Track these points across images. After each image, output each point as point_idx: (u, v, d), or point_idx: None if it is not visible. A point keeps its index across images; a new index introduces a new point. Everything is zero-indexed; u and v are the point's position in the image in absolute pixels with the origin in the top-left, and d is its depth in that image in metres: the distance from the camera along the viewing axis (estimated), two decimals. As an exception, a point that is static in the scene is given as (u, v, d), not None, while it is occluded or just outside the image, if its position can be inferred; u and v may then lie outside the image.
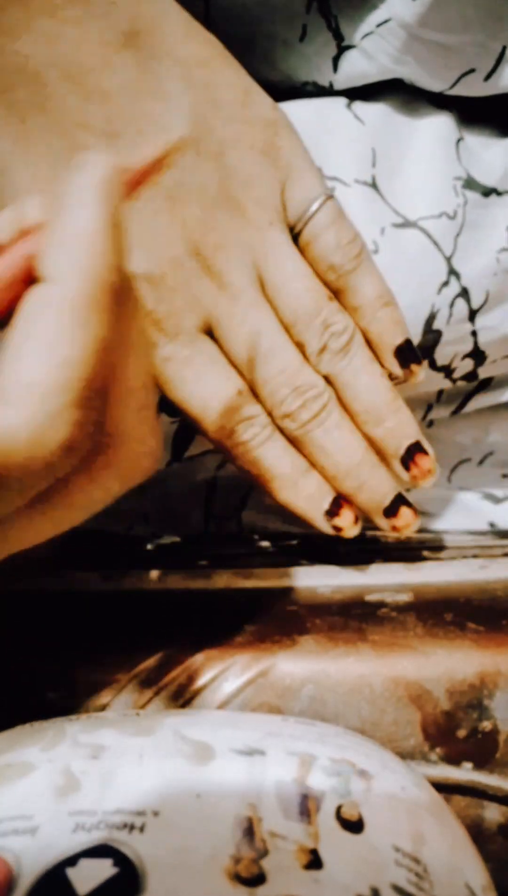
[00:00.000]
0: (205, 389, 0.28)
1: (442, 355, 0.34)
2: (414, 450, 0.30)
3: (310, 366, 0.29)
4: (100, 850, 0.19)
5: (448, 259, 0.32)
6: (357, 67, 0.32)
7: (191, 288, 0.28)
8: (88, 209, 0.19)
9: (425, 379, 0.32)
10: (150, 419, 0.22)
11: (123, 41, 0.27)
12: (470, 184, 0.33)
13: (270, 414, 0.29)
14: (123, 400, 0.21)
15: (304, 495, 0.29)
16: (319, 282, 0.29)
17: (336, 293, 0.30)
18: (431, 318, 0.32)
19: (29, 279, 0.19)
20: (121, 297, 0.19)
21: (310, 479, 0.29)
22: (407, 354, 0.30)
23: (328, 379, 0.30)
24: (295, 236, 0.29)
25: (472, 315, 0.33)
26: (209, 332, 0.29)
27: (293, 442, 0.29)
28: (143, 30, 0.27)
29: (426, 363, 0.33)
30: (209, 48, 0.28)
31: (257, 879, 0.18)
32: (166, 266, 0.27)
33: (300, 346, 0.29)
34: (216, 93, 0.28)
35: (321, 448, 0.29)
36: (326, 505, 0.30)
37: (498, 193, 0.33)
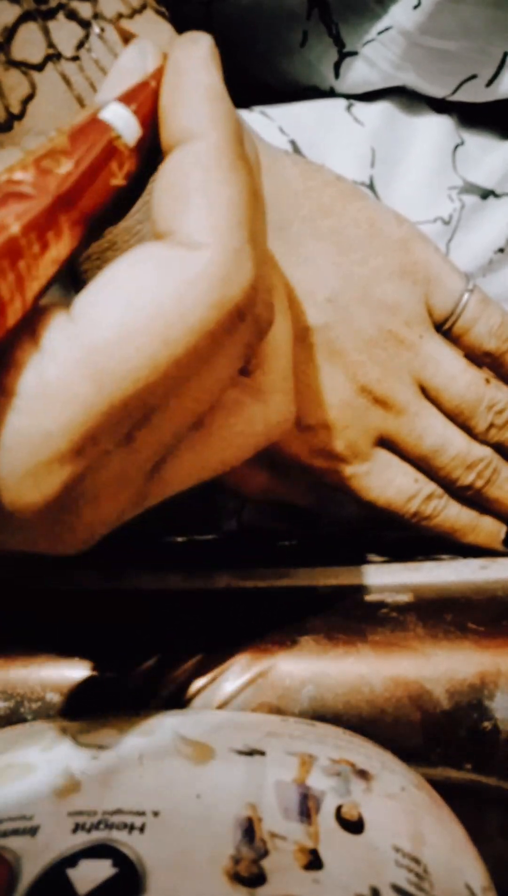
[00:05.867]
0: (387, 491, 0.32)
1: None
2: None
3: (477, 441, 0.32)
4: (100, 850, 0.19)
5: None
6: (360, 74, 0.33)
7: (362, 420, 0.30)
8: (207, 71, 0.20)
9: None
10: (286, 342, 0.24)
11: None
12: (467, 188, 0.34)
13: (445, 484, 0.32)
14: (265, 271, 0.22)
15: (483, 535, 0.33)
16: (474, 371, 0.31)
17: (492, 367, 0.32)
18: None
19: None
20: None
21: (484, 521, 0.33)
22: None
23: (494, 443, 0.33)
24: (447, 329, 0.31)
25: None
26: (382, 439, 0.31)
27: (471, 498, 0.33)
28: (268, 203, 0.28)
29: None
30: (329, 191, 0.30)
31: (257, 879, 0.18)
32: (337, 411, 0.30)
33: (466, 427, 0.32)
34: (346, 236, 0.29)
35: (496, 500, 0.33)
36: (502, 537, 0.33)
37: (497, 195, 0.34)
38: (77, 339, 0.18)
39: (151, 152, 0.21)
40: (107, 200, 0.19)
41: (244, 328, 0.20)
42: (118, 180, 0.19)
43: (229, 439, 0.22)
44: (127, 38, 0.23)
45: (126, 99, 0.20)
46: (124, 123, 0.20)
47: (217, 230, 0.19)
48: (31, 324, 0.18)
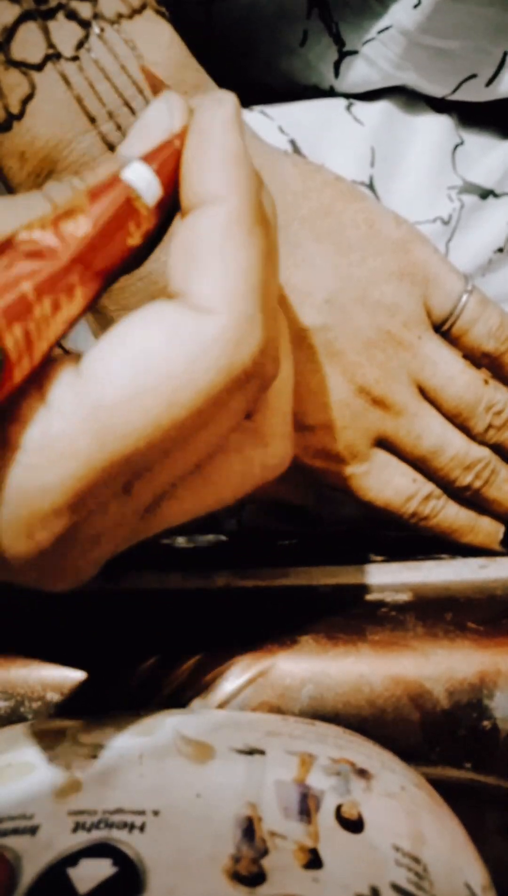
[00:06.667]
0: (385, 491, 0.32)
1: None
2: None
3: (475, 442, 0.32)
4: (100, 850, 0.19)
5: None
6: (360, 73, 0.33)
7: (361, 420, 0.30)
8: (230, 135, 0.20)
9: None
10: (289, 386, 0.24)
11: None
12: (466, 188, 0.34)
13: (443, 485, 0.32)
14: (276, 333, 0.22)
15: (482, 536, 0.33)
16: (473, 371, 0.31)
17: (491, 367, 0.32)
18: None
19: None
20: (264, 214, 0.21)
21: (482, 521, 0.33)
22: None
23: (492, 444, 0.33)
24: (445, 329, 0.31)
25: None
26: (380, 440, 0.31)
27: (469, 498, 0.33)
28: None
29: None
30: (328, 191, 0.29)
31: (257, 879, 0.18)
32: (335, 412, 0.30)
33: (465, 428, 0.32)
34: (344, 237, 0.29)
35: (495, 500, 0.33)
36: (500, 537, 0.33)
37: (496, 195, 0.34)
38: (84, 396, 0.18)
39: (170, 208, 0.20)
40: (122, 260, 0.19)
41: (250, 387, 0.20)
42: (135, 240, 0.19)
43: (226, 480, 0.23)
44: (155, 86, 0.23)
45: (149, 158, 0.20)
46: (146, 185, 0.19)
47: (230, 297, 0.19)
48: (38, 377, 0.18)
